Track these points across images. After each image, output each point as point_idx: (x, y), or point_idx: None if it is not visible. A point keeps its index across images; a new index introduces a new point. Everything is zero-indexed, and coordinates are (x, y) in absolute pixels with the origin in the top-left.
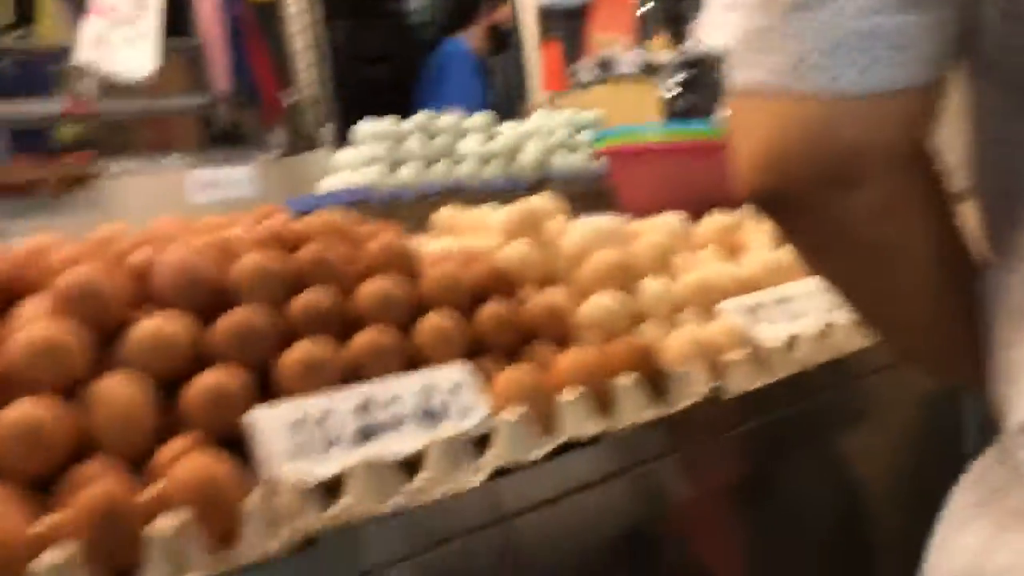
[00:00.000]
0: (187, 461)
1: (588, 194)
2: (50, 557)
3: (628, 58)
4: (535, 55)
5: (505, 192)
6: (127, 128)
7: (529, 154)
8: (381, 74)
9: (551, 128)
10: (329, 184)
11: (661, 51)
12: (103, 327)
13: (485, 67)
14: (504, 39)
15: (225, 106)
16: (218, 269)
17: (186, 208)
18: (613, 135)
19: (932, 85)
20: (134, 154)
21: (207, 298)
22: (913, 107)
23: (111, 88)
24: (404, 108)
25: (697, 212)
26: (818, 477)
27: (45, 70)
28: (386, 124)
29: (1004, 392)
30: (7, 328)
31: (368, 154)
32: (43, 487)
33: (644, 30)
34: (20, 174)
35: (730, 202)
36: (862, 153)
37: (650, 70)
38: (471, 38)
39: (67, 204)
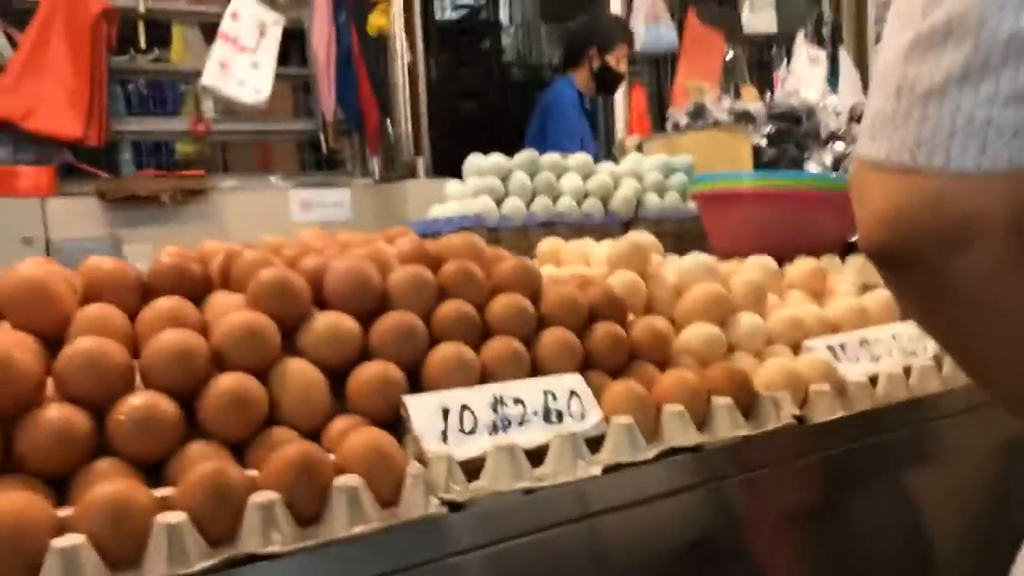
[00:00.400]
0: (359, 433)
1: (676, 234)
2: (260, 497)
3: (721, 106)
4: (624, 99)
5: (601, 227)
6: (236, 148)
7: (623, 194)
8: (472, 109)
9: (644, 170)
10: (439, 211)
11: (751, 100)
12: (288, 319)
13: (590, 107)
14: (616, 80)
15: (329, 132)
16: (380, 277)
17: (288, 225)
18: (711, 179)
19: None
20: (241, 172)
21: (370, 301)
22: None
23: (227, 110)
24: (492, 141)
25: (781, 257)
26: (889, 509)
27: (173, 91)
28: (494, 159)
29: None
30: (208, 315)
31: (477, 186)
32: (238, 448)
33: (729, 78)
34: (144, 186)
35: (813, 249)
36: (975, 221)
37: (741, 119)
38: (578, 78)
39: (182, 215)
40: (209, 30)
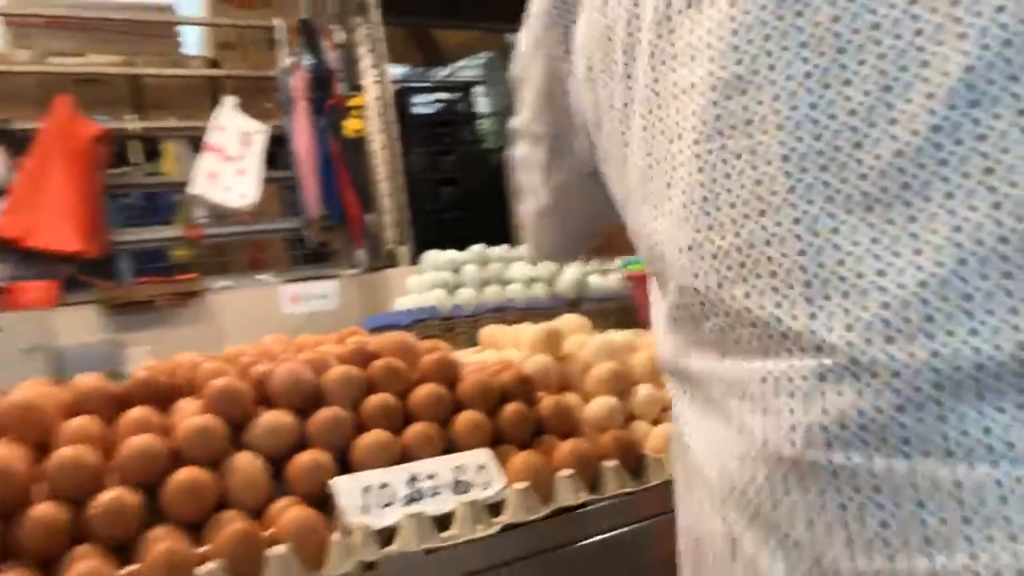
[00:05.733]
0: (292, 510)
1: (618, 310)
2: (206, 568)
3: None
4: None
5: (547, 310)
6: (228, 249)
7: (568, 278)
8: (452, 195)
9: None
10: (402, 303)
11: None
12: (236, 418)
13: None
14: None
15: (315, 229)
16: (315, 376)
17: (279, 318)
18: (635, 261)
19: None
20: (234, 272)
21: (306, 398)
22: None
23: (218, 215)
24: (472, 224)
25: None
26: None
27: (166, 201)
28: (448, 254)
29: None
30: (172, 419)
31: (433, 279)
32: (195, 528)
33: None
34: (142, 292)
35: None
36: None
37: None
38: None
39: (180, 316)
40: (196, 143)
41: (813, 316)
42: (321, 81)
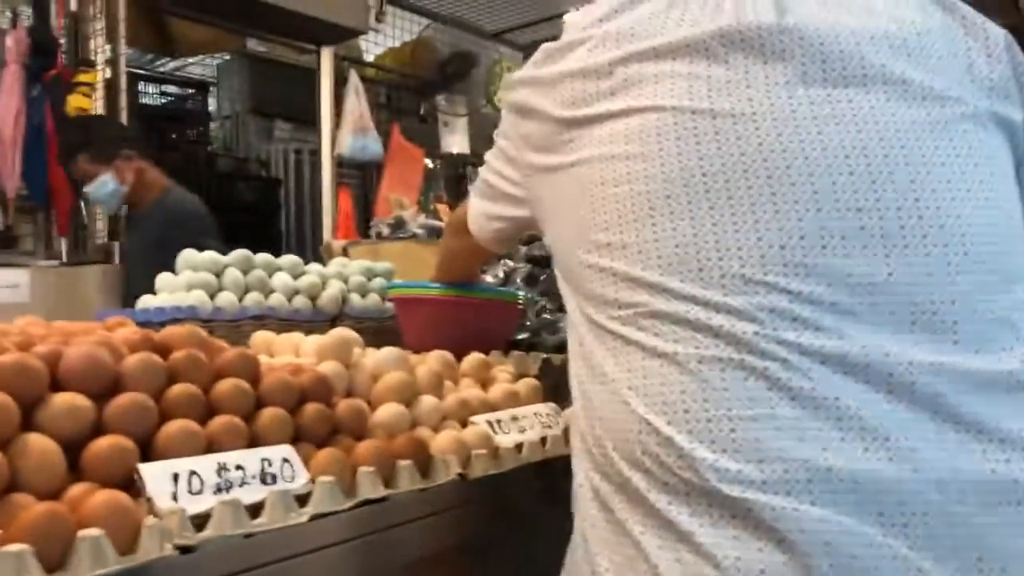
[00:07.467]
0: (100, 493)
1: (376, 330)
2: (13, 549)
3: (418, 222)
4: (331, 203)
5: (309, 323)
6: None
7: (330, 293)
8: None
9: (349, 273)
10: (150, 301)
11: (445, 217)
12: (26, 398)
13: None
14: None
15: (10, 210)
16: (113, 361)
17: None
18: (405, 286)
19: None
20: None
21: (104, 382)
22: None
23: None
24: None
25: (459, 352)
26: (531, 542)
27: None
28: (210, 256)
29: None
30: None
31: (190, 279)
32: None
33: (428, 188)
34: None
35: (484, 346)
36: None
37: (433, 233)
38: None
39: None
40: None
41: None
42: (43, 47)
